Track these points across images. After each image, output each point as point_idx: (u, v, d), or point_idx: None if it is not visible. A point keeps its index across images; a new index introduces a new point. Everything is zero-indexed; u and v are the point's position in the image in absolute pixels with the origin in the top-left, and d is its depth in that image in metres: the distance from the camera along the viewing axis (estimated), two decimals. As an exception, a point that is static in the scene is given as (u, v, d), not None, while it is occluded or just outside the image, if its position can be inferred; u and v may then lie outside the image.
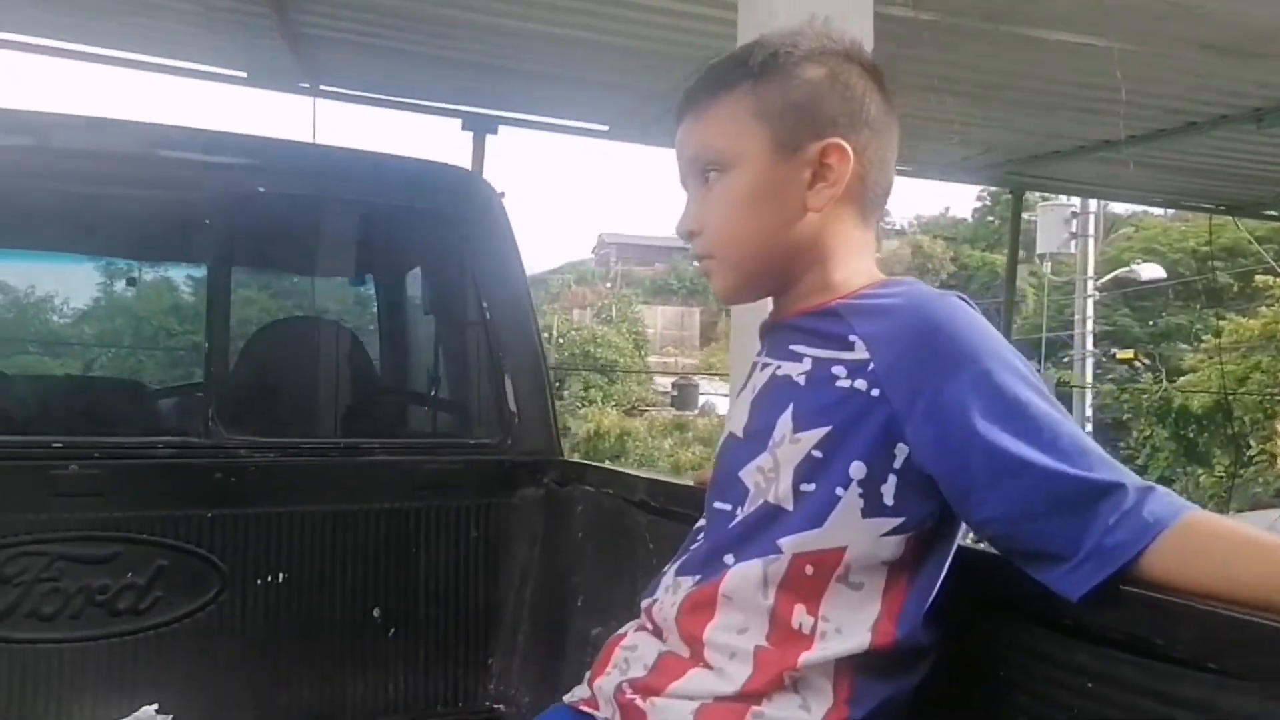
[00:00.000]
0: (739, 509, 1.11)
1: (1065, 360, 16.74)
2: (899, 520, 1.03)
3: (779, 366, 1.13)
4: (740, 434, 1.16)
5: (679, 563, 1.18)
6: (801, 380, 1.09)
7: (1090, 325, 15.79)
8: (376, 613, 2.22)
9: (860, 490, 1.02)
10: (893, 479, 1.02)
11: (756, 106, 1.10)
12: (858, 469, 1.02)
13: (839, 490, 1.03)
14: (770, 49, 1.12)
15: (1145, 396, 9.32)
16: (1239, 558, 0.88)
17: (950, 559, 1.08)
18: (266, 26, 4.59)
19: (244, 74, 5.53)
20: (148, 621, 2.05)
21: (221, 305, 2.18)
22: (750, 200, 1.11)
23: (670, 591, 1.14)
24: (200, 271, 2.20)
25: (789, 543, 1.04)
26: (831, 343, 1.08)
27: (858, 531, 1.03)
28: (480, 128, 5.64)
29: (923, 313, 1.03)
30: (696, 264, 1.16)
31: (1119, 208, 21.32)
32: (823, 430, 1.05)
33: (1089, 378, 14.48)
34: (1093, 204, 14.39)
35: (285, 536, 2.14)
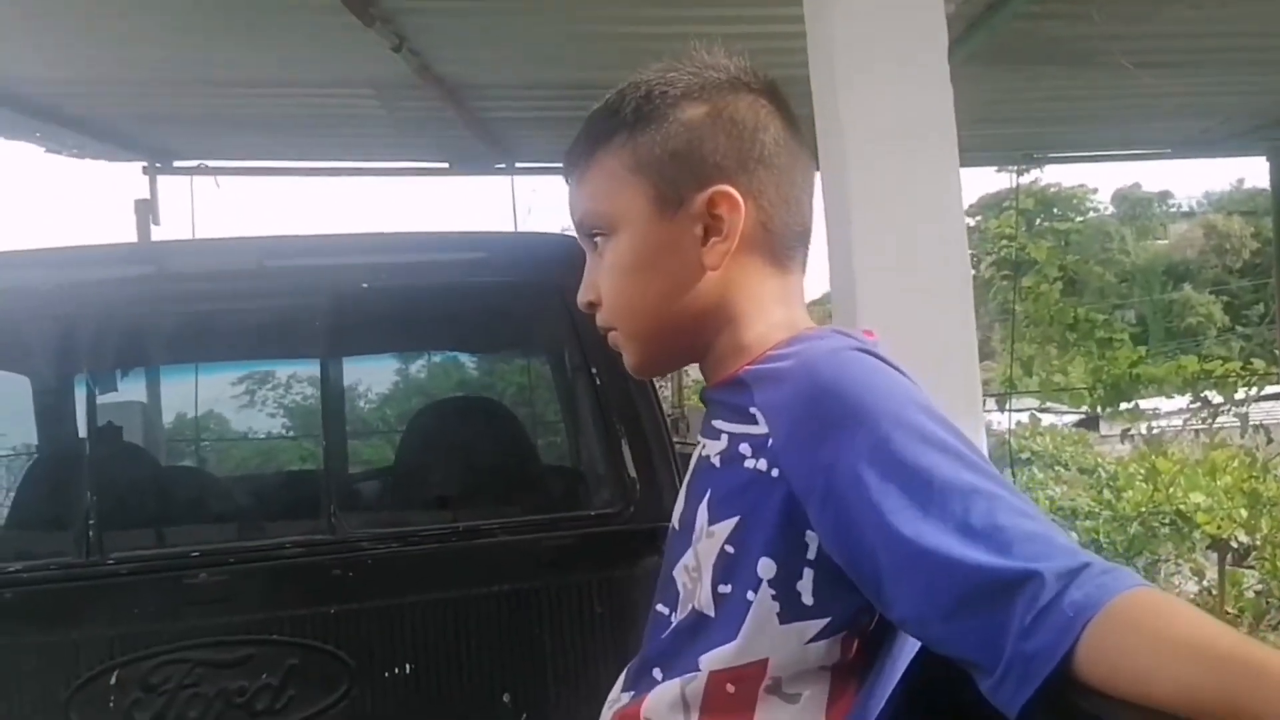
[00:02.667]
0: (673, 614, 0.97)
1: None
2: (824, 621, 0.87)
3: (704, 446, 1.00)
4: (677, 525, 1.02)
5: (625, 671, 1.05)
6: (717, 461, 0.96)
7: None
8: (506, 698, 2.17)
9: (773, 592, 0.87)
10: (808, 573, 0.86)
11: (633, 160, 0.98)
12: (766, 567, 0.87)
13: (750, 594, 0.88)
14: (644, 91, 0.99)
15: None
16: (1161, 657, 0.68)
17: (911, 653, 0.89)
18: (451, 119, 4.83)
19: (445, 165, 5.87)
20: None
21: (335, 399, 2.24)
22: (639, 266, 0.98)
23: (610, 706, 1.02)
24: (315, 369, 2.28)
25: (707, 660, 0.90)
26: (739, 416, 0.94)
27: (777, 640, 0.88)
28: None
29: (811, 375, 0.88)
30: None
31: None
32: (732, 521, 0.90)
33: None
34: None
35: (408, 626, 2.14)
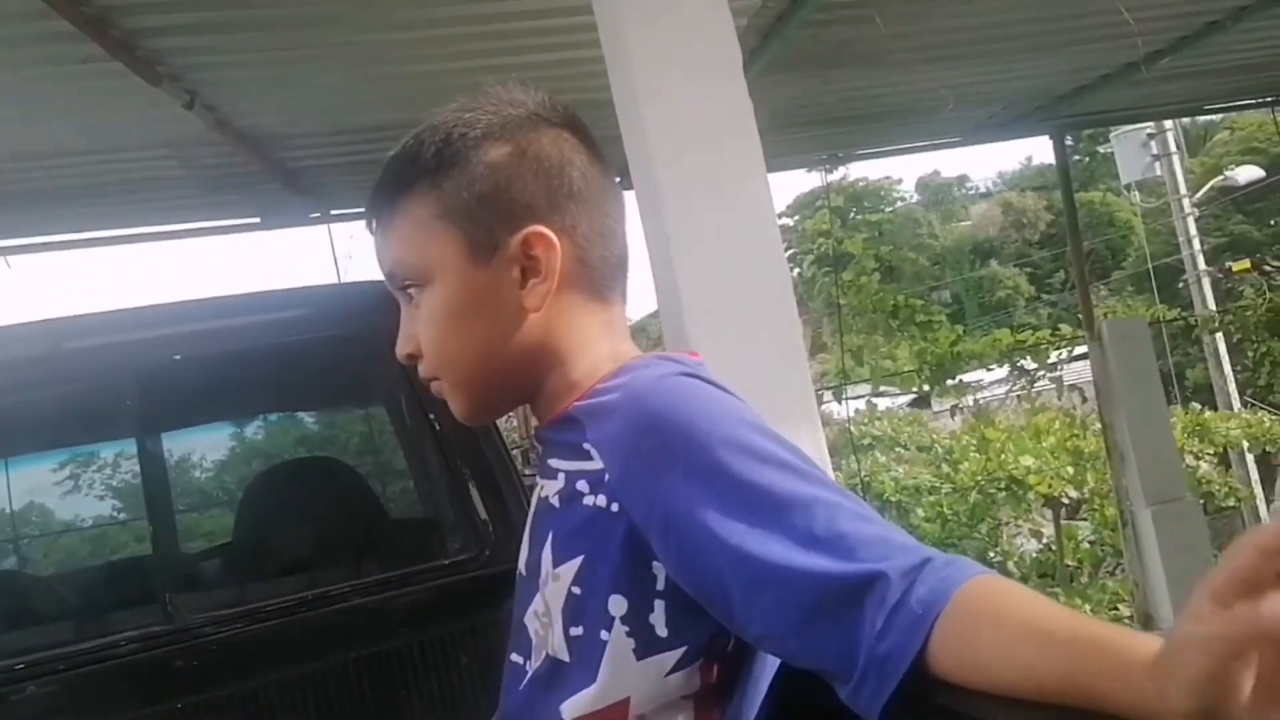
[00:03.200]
0: (528, 662, 0.95)
1: (1181, 286, 15.83)
2: (680, 651, 0.86)
3: (543, 487, 0.98)
4: (524, 570, 0.99)
5: None
6: (556, 501, 0.94)
7: (1197, 244, 14.88)
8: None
9: (626, 629, 0.86)
10: (660, 604, 0.85)
11: (439, 207, 0.94)
12: (617, 604, 0.86)
13: (604, 634, 0.86)
14: (443, 134, 0.95)
15: (1249, 312, 8.59)
16: (1004, 643, 0.68)
17: (773, 670, 0.89)
18: (258, 173, 4.67)
19: (257, 219, 5.66)
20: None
21: (158, 477, 2.12)
22: (458, 315, 0.95)
23: None
24: (132, 448, 2.15)
25: (568, 707, 0.88)
26: (574, 453, 0.92)
27: (637, 677, 0.86)
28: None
29: (639, 405, 0.87)
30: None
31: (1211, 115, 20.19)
32: (577, 561, 0.89)
33: (1210, 300, 13.57)
34: (1167, 122, 13.62)
35: (264, 709, 2.03)
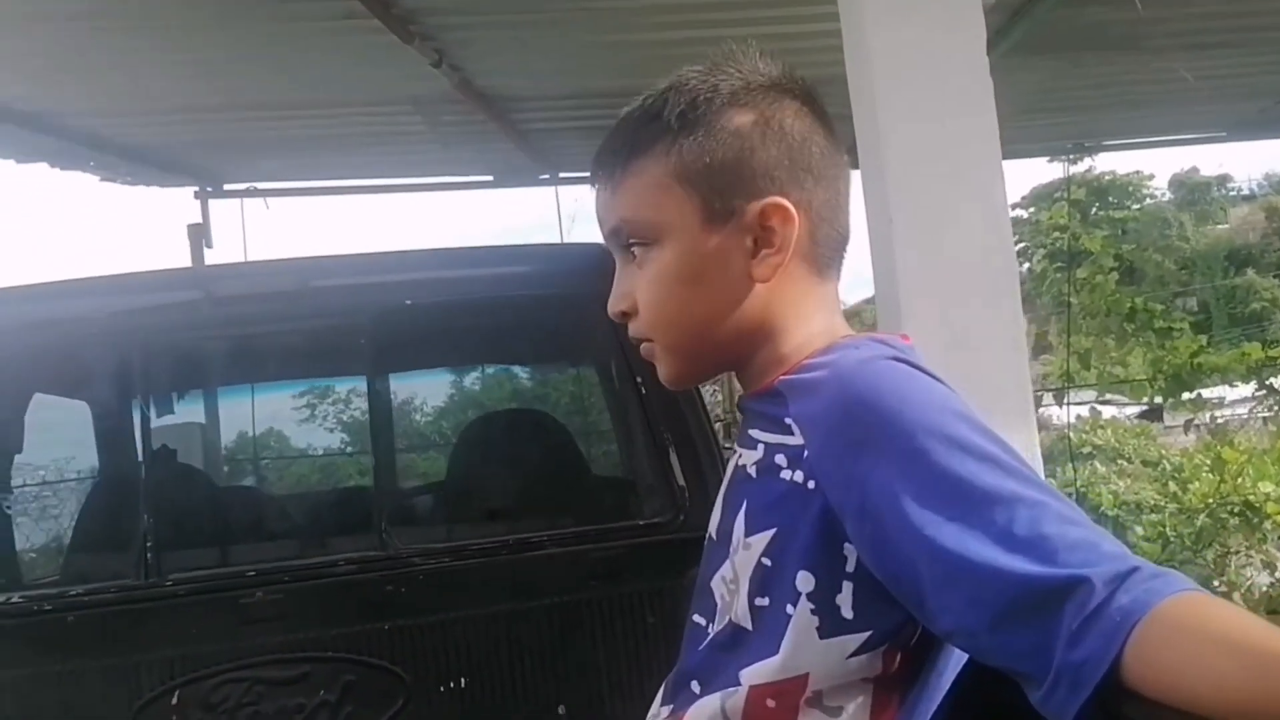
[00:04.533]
0: (710, 625, 0.95)
1: None
2: (866, 635, 0.85)
3: (740, 455, 0.98)
4: (714, 535, 1.00)
5: (667, 679, 1.03)
6: (754, 472, 0.94)
7: None
8: (561, 709, 2.17)
9: (812, 606, 0.85)
10: (848, 586, 0.84)
11: (679, 169, 0.93)
12: (805, 580, 0.85)
13: (789, 608, 0.86)
14: (688, 96, 0.95)
15: None
16: (1205, 658, 0.65)
17: (959, 664, 0.86)
18: (493, 132, 4.86)
19: (490, 178, 5.91)
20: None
21: (383, 416, 2.26)
22: (685, 279, 0.94)
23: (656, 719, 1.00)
24: (363, 386, 2.30)
25: (747, 674, 0.88)
26: (775, 427, 0.92)
27: (818, 655, 0.85)
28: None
29: (845, 386, 0.85)
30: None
31: None
32: (769, 533, 0.88)
33: None
34: None
35: (461, 640, 2.14)
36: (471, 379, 2.88)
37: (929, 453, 0.78)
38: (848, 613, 0.84)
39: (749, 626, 0.89)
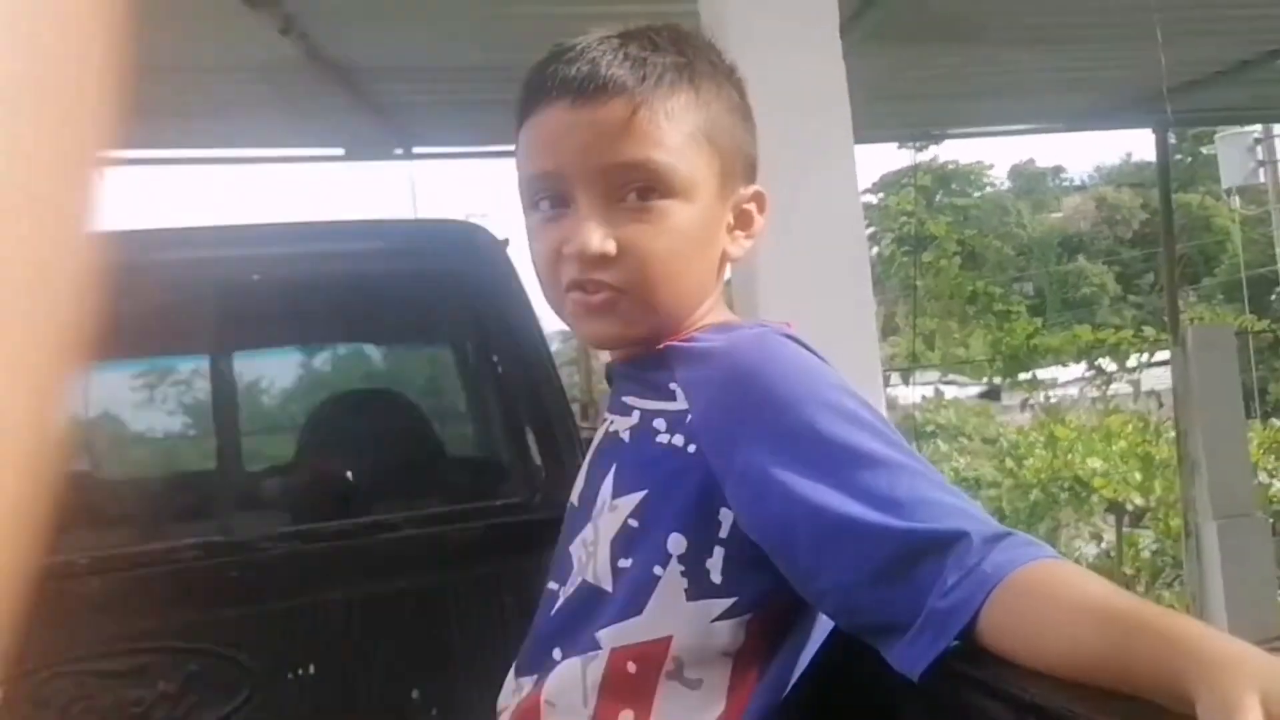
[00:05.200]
0: (562, 589, 0.95)
1: (1274, 299, 15.28)
2: (730, 601, 0.86)
3: (611, 422, 0.99)
4: (576, 502, 1.00)
5: (518, 657, 1.03)
6: (627, 436, 0.96)
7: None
8: (415, 694, 2.13)
9: (682, 568, 0.87)
10: (719, 551, 0.86)
11: (708, 127, 0.92)
12: (676, 542, 0.87)
13: (657, 569, 0.87)
14: (707, 55, 0.95)
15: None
16: (1056, 617, 0.69)
17: (813, 640, 0.89)
18: (346, 104, 4.72)
19: (340, 151, 5.74)
20: (187, 728, 2.03)
21: (228, 395, 2.17)
22: (696, 241, 0.93)
23: (515, 694, 1.00)
24: (205, 365, 2.21)
25: (607, 635, 0.89)
26: (656, 392, 0.94)
27: (683, 618, 0.87)
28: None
29: (737, 356, 0.89)
30: (580, 294, 0.92)
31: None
32: (639, 495, 0.90)
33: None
34: (1276, 126, 13.10)
35: (310, 627, 2.09)
36: (323, 358, 2.81)
37: (813, 421, 0.81)
38: (716, 577, 0.86)
39: (608, 588, 0.90)
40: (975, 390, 12.72)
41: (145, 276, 2.16)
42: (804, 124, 1.82)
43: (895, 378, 8.11)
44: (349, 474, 2.43)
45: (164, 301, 2.20)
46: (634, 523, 0.89)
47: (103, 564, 2.05)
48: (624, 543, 0.89)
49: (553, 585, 0.99)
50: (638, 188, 0.90)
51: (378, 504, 2.38)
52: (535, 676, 0.96)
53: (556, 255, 0.91)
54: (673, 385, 0.91)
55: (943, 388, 10.73)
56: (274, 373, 2.56)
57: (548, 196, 0.92)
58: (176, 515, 2.27)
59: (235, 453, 2.19)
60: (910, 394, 8.47)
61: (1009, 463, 8.32)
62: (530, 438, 2.26)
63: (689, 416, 0.88)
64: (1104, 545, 8.17)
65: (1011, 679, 0.71)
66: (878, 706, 0.89)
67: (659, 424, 0.91)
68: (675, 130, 0.90)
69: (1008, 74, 4.94)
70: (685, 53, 0.92)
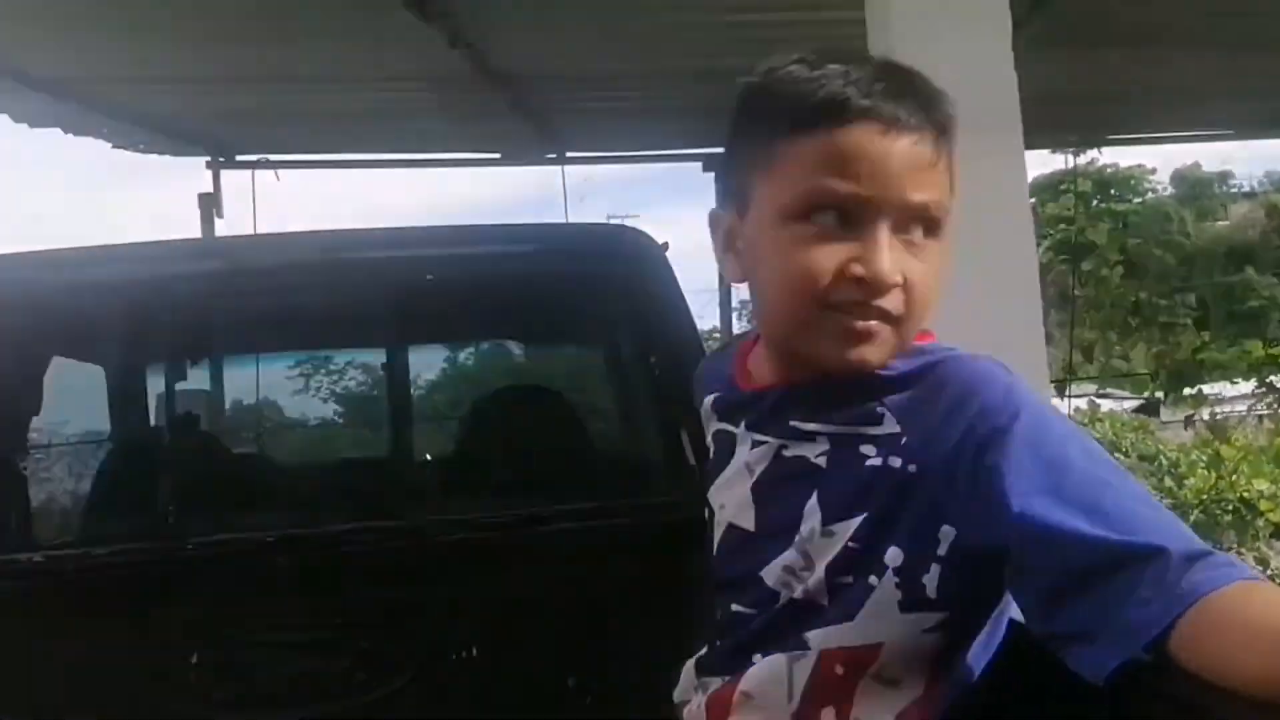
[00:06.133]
0: (763, 613, 0.98)
1: None
2: (943, 615, 0.90)
3: (784, 446, 0.99)
4: (750, 527, 1.02)
5: (700, 659, 1.06)
6: (822, 462, 0.96)
7: None
8: (571, 681, 2.20)
9: (897, 580, 0.90)
10: (935, 568, 0.89)
11: (949, 170, 0.95)
12: (894, 555, 0.90)
13: (872, 579, 0.91)
14: (946, 104, 0.96)
15: None
16: (1256, 641, 0.69)
17: (997, 640, 0.92)
18: (504, 111, 4.86)
19: (497, 155, 5.92)
20: (357, 701, 2.14)
21: (401, 387, 2.28)
22: (940, 280, 0.96)
23: (700, 691, 1.04)
24: (381, 357, 2.34)
25: (817, 637, 0.93)
26: (855, 416, 0.94)
27: (896, 627, 0.91)
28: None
29: (957, 380, 0.91)
30: (851, 318, 0.92)
31: None
32: (857, 519, 0.92)
33: None
34: None
35: (474, 612, 2.17)
36: (477, 354, 2.92)
37: (1035, 434, 0.85)
38: (932, 592, 0.89)
39: (824, 602, 0.93)
40: (1132, 404, 12.21)
41: (325, 275, 2.30)
42: (974, 132, 1.80)
43: (1049, 389, 7.86)
44: (507, 468, 2.52)
45: (343, 299, 2.34)
46: (855, 545, 0.91)
47: (288, 543, 2.19)
48: (843, 563, 0.92)
49: (742, 609, 1.00)
50: (924, 225, 0.93)
51: (535, 497, 2.46)
52: (727, 677, 0.99)
53: (836, 273, 0.90)
54: (880, 409, 0.93)
55: (1098, 400, 10.34)
56: (432, 368, 2.69)
57: (835, 212, 0.91)
58: (351, 500, 2.41)
59: (407, 443, 2.30)
60: (1064, 406, 8.19)
61: (1168, 481, 7.96)
62: (685, 438, 2.30)
63: (904, 439, 0.90)
64: (1269, 572, 7.73)
65: (1202, 697, 0.71)
66: (1053, 712, 0.91)
67: (866, 449, 0.92)
68: (948, 171, 0.94)
69: (1177, 78, 4.75)
70: (936, 104, 0.94)
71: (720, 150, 1.12)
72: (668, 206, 24.44)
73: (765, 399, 1.02)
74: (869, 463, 0.91)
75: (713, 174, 5.71)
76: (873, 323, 0.91)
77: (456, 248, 2.39)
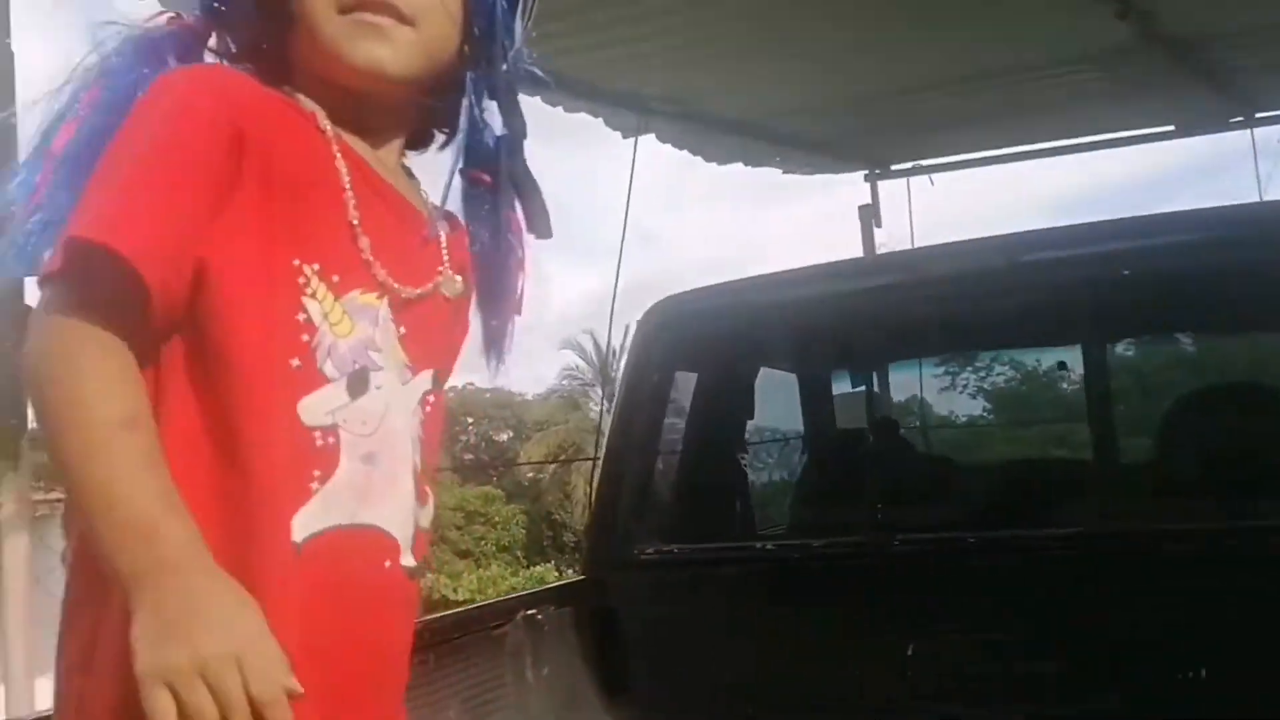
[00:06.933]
0: None
1: None
2: None
3: None
4: None
5: None
6: None
7: None
8: None
9: None
10: None
11: None
12: None
13: None
14: None
15: None
16: None
17: None
18: (1177, 79, 4.48)
19: (1171, 127, 5.45)
20: (1066, 710, 2.09)
21: (1101, 387, 2.18)
22: None
23: None
24: (1075, 355, 2.25)
25: None
26: None
27: None
28: None
29: None
30: None
31: None
32: None
33: None
34: None
35: (1203, 632, 2.01)
36: (1182, 350, 2.67)
37: None
38: None
39: None
40: None
41: (1020, 276, 2.29)
42: None
43: None
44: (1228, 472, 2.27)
45: (1039, 298, 2.31)
46: None
47: (987, 545, 2.21)
48: None
49: None
50: None
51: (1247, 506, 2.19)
52: None
53: None
54: None
55: None
56: (1142, 363, 2.52)
57: None
58: (1049, 504, 2.35)
59: (1111, 444, 2.20)
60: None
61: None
62: None
63: None
64: None
65: None
66: None
67: None
68: None
69: None
70: None
71: None
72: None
73: None
74: None
75: None
76: None
77: (1147, 240, 2.22)
